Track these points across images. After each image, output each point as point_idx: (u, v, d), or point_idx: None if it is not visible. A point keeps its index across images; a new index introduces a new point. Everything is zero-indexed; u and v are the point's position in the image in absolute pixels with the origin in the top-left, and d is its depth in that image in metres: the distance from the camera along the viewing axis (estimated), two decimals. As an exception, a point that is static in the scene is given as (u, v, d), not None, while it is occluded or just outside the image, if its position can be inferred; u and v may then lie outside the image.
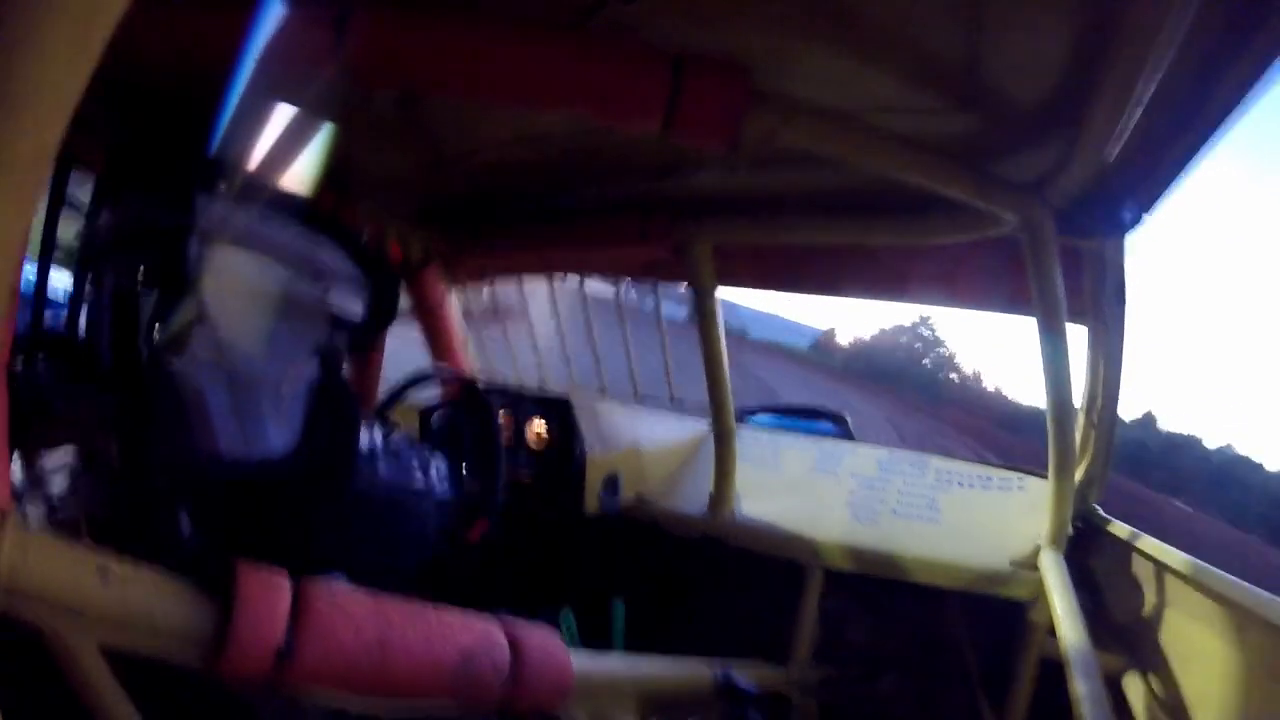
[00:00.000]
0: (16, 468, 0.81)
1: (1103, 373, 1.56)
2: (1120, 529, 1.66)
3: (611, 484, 1.96)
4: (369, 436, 1.03)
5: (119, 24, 0.47)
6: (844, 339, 38.23)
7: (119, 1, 0.47)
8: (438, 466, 1.11)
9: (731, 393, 1.96)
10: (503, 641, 0.91)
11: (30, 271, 1.20)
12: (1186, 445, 26.47)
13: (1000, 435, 19.55)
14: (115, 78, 0.49)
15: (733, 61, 0.84)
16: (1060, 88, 0.96)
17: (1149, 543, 1.51)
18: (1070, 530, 1.59)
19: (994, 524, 1.89)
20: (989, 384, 37.53)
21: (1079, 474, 1.67)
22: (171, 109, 1.18)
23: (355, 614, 0.78)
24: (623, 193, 1.60)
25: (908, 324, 34.78)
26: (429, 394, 1.63)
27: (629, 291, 2.17)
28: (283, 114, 0.79)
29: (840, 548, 1.87)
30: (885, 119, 1.01)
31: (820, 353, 34.52)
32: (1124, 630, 1.55)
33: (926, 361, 35.00)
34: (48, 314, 1.20)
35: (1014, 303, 1.59)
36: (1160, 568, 1.43)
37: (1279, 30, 0.78)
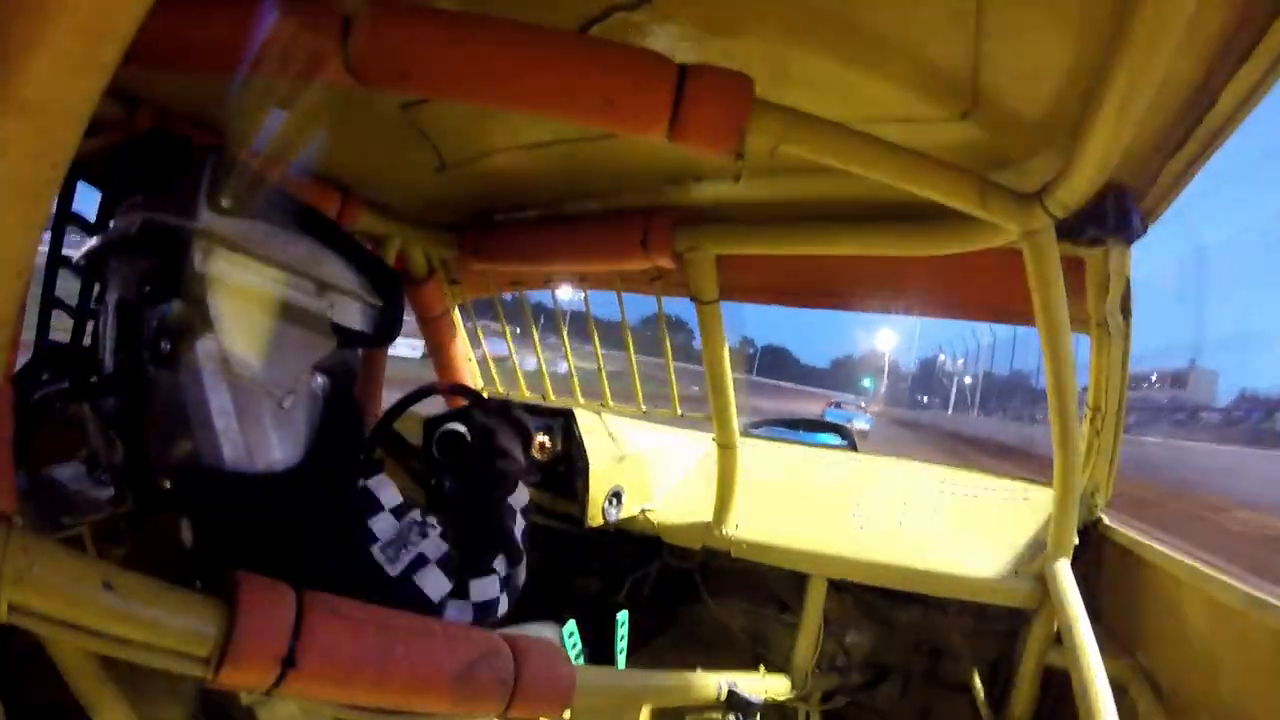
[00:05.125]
0: (21, 477, 0.81)
1: (1106, 382, 1.56)
2: (1125, 536, 1.65)
3: (615, 496, 1.96)
4: (380, 488, 0.94)
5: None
6: None
7: (132, 18, 0.47)
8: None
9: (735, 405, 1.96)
10: (505, 653, 0.91)
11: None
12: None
13: None
14: (117, 81, 0.49)
15: (736, 70, 0.85)
16: (1061, 97, 0.97)
17: (1154, 550, 1.50)
18: (1075, 539, 1.58)
19: (999, 533, 1.88)
20: None
21: (1083, 483, 1.67)
22: (174, 113, 1.19)
23: (357, 624, 0.78)
24: (624, 202, 1.61)
25: None
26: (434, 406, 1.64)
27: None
28: (286, 118, 0.79)
29: (844, 558, 1.86)
30: (887, 129, 1.02)
31: None
32: (1130, 638, 1.54)
33: None
34: (53, 321, 1.21)
35: (1017, 313, 1.59)
36: (1166, 575, 1.42)
37: (1279, 38, 0.78)
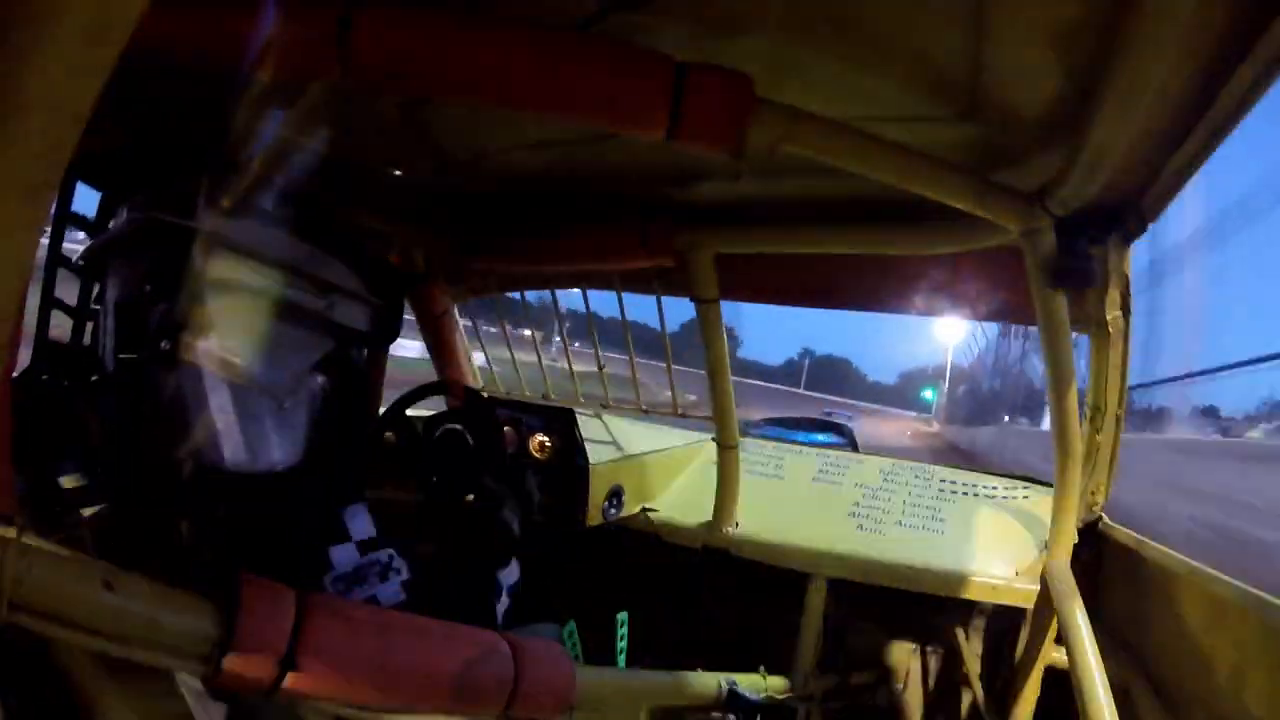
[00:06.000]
0: (21, 477, 0.81)
1: (1105, 381, 1.56)
2: (1125, 536, 1.65)
3: (615, 496, 1.96)
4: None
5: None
6: None
7: (131, 18, 0.47)
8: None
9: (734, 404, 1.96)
10: (506, 653, 0.90)
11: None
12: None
13: None
14: (117, 80, 0.49)
15: (736, 69, 0.85)
16: (1062, 96, 0.97)
17: (1155, 549, 1.50)
18: (1075, 538, 1.58)
19: (999, 533, 1.88)
20: None
21: (1083, 482, 1.67)
22: (173, 113, 1.19)
23: (357, 625, 0.78)
24: (624, 202, 1.61)
25: None
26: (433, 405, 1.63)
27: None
28: (285, 118, 0.79)
29: (844, 558, 1.86)
30: (887, 128, 1.02)
31: None
32: (1130, 638, 1.54)
33: None
34: (53, 321, 1.21)
35: (1018, 312, 1.59)
36: (1166, 575, 1.42)
37: (1278, 38, 0.78)
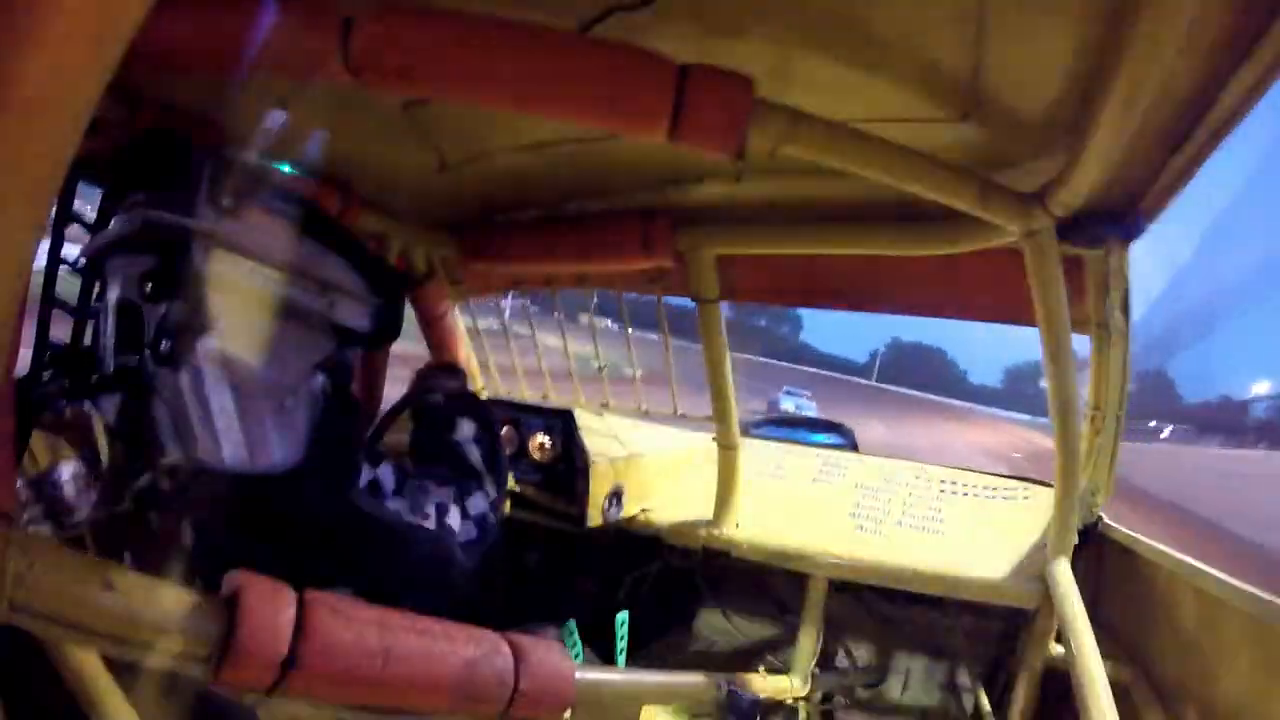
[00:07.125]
0: (21, 476, 0.81)
1: (1106, 381, 1.56)
2: (1126, 536, 1.65)
3: (615, 496, 1.96)
4: (383, 474, 1.04)
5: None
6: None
7: (133, 18, 0.47)
8: (458, 508, 1.11)
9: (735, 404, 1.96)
10: (506, 653, 0.91)
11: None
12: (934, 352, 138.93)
13: None
14: (118, 80, 0.49)
15: (737, 70, 0.85)
16: (1062, 98, 0.97)
17: (1155, 550, 1.50)
18: (1075, 538, 1.59)
19: (999, 533, 1.88)
20: None
21: (1083, 482, 1.67)
22: (174, 113, 1.19)
23: (358, 624, 0.78)
24: (625, 202, 1.61)
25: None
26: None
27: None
28: (286, 118, 0.79)
29: (844, 558, 1.86)
30: (889, 129, 1.02)
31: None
32: (1130, 638, 1.54)
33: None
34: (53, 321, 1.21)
35: (1018, 312, 1.59)
36: (1166, 575, 1.42)
37: (1279, 38, 0.78)
